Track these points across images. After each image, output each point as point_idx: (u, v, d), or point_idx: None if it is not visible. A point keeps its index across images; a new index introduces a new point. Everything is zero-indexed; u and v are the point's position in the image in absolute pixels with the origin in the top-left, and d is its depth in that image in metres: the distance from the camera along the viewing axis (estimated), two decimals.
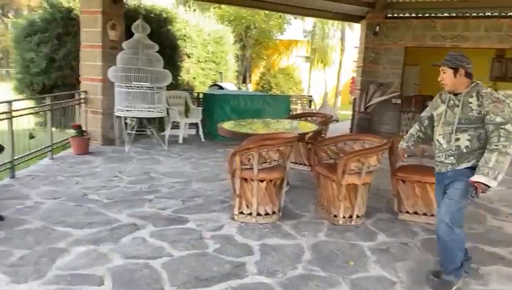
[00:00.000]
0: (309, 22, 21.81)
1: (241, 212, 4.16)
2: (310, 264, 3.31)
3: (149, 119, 7.62)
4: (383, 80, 10.12)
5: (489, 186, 2.69)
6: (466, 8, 9.23)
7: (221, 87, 12.86)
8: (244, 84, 21.65)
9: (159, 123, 8.04)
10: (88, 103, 7.35)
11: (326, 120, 6.61)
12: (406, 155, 3.51)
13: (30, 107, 6.53)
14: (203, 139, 8.41)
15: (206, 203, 4.68)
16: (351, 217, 4.21)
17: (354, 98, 10.88)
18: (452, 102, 2.95)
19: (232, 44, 14.84)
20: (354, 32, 18.92)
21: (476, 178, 2.71)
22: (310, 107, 11.67)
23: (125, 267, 3.12)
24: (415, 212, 4.38)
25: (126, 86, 6.87)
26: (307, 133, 4.81)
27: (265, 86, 20.22)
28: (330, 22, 20.04)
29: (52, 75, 8.45)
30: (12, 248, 3.34)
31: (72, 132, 6.85)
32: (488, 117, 2.75)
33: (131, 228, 3.85)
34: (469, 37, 9.18)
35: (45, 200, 4.48)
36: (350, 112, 12.26)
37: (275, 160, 4.10)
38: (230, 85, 14.60)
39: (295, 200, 4.84)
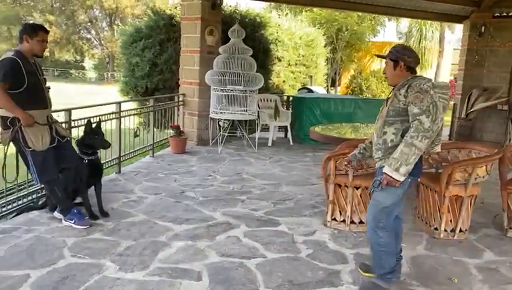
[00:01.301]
0: (404, 23, 20.91)
1: (334, 219, 4.08)
2: (409, 278, 3.13)
3: (240, 122, 7.82)
4: (487, 84, 9.35)
5: (395, 179, 2.57)
6: None
7: (310, 91, 12.80)
8: (332, 88, 21.34)
9: (249, 125, 8.21)
10: (185, 105, 7.75)
11: None
12: (353, 165, 3.39)
13: (135, 108, 7.05)
14: (291, 142, 8.43)
15: (296, 207, 4.67)
16: (453, 231, 3.91)
17: (454, 104, 10.16)
18: (390, 96, 2.82)
19: (323, 47, 14.69)
20: (455, 33, 17.78)
21: (384, 169, 2.64)
22: None
23: (221, 264, 3.21)
24: None
25: (221, 89, 7.13)
26: None
27: (355, 89, 19.73)
28: (428, 23, 18.98)
29: (154, 78, 9.00)
30: (120, 238, 3.61)
31: (170, 132, 7.27)
32: (409, 108, 2.61)
33: (225, 227, 3.97)
34: None
35: (147, 195, 4.79)
36: (448, 118, 11.49)
37: (371, 167, 3.97)
38: (319, 88, 14.48)
39: None
